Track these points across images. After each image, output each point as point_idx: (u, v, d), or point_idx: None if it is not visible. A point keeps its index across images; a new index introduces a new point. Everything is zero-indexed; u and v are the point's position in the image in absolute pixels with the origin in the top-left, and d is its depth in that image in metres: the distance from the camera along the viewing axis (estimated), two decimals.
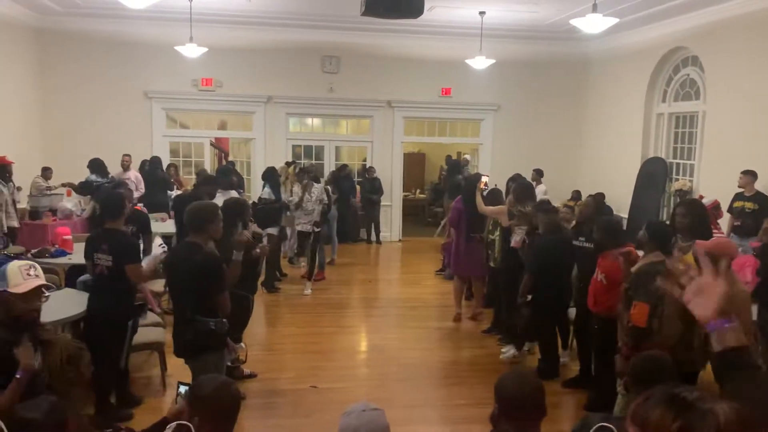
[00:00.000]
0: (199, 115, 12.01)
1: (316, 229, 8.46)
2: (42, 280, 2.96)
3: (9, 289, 2.84)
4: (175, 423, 2.39)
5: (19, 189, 9.02)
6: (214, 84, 11.21)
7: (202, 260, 3.90)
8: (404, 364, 5.98)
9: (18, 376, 2.71)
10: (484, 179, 7.14)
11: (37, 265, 3.06)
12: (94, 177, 9.45)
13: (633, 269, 4.10)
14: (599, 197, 6.36)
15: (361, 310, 8.00)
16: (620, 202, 10.19)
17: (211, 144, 12.66)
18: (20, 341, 2.77)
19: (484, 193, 6.96)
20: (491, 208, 6.69)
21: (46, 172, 9.65)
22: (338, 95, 11.53)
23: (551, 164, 11.34)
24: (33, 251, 6.67)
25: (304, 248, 8.71)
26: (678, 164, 9.91)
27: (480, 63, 10.04)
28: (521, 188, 6.42)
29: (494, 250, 6.78)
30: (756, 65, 7.84)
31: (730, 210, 7.53)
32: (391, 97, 11.72)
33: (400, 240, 12.44)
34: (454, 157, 13.94)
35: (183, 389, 2.78)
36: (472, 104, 11.96)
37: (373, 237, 12.02)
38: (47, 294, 3.01)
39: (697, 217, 4.45)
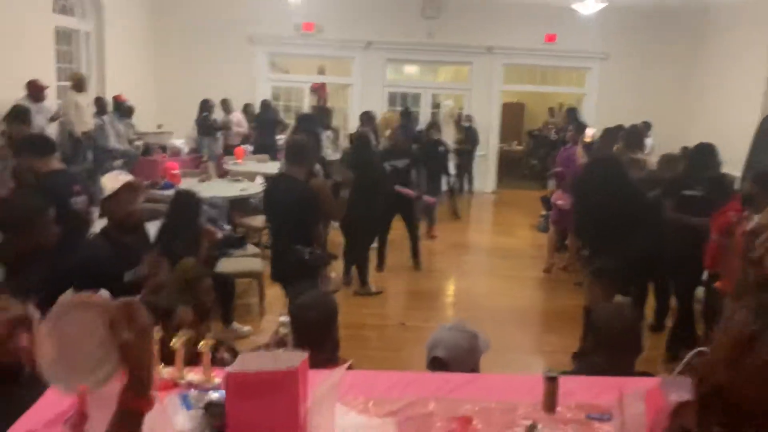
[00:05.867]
0: (300, 60, 12.19)
1: None
2: (129, 178, 3.08)
3: (106, 195, 3.03)
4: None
5: (132, 126, 9.58)
6: (315, 28, 11.29)
7: (300, 192, 4.05)
8: (492, 310, 5.97)
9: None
10: (589, 132, 6.90)
11: (125, 173, 3.21)
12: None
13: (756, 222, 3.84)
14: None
15: (451, 257, 8.00)
16: (735, 161, 9.50)
17: (311, 90, 12.85)
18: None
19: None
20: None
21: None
22: (438, 41, 11.32)
23: (660, 118, 10.68)
24: (145, 183, 7.13)
25: None
26: None
27: (588, 7, 9.52)
28: (632, 134, 6.13)
29: None
30: None
31: None
32: (492, 43, 11.37)
33: (493, 192, 12.26)
34: (557, 108, 13.42)
35: (283, 319, 2.88)
36: (577, 52, 11.40)
37: (466, 186, 11.88)
38: (142, 193, 3.13)
39: None
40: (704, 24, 11.12)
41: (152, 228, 4.03)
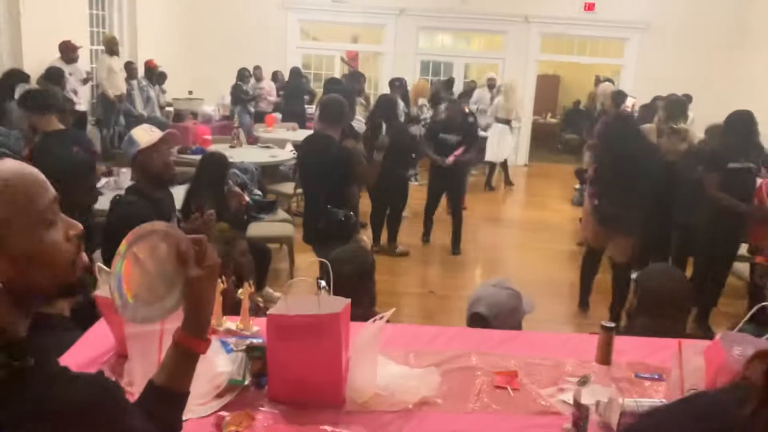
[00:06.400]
0: (331, 28, 12.05)
1: None
2: (160, 132, 3.01)
3: (141, 147, 2.92)
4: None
5: (164, 92, 9.60)
6: None
7: (336, 152, 3.99)
8: (525, 281, 5.77)
9: None
10: (629, 102, 6.70)
11: (154, 128, 3.13)
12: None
13: None
14: None
15: (482, 228, 7.91)
16: None
17: (342, 60, 12.74)
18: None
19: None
20: None
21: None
22: (472, 8, 11.06)
23: (701, 91, 10.30)
24: (176, 147, 7.15)
25: None
26: None
27: None
28: (674, 103, 5.91)
29: None
30: None
31: None
32: (529, 12, 11.08)
33: (526, 165, 12.06)
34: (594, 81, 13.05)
35: (321, 282, 2.81)
36: (617, 22, 11.04)
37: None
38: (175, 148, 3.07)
39: None
40: None
41: (179, 192, 4.03)
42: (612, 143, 4.86)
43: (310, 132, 7.64)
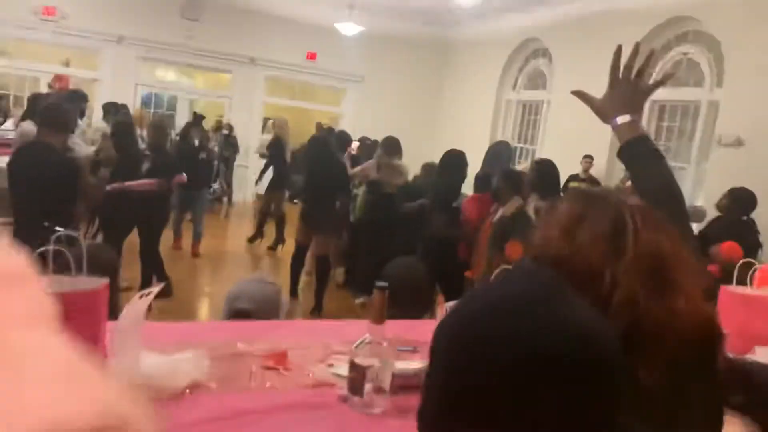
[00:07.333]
0: (36, 48, 10.81)
1: None
2: None
3: None
4: None
5: None
6: (58, 14, 10.14)
7: (58, 162, 3.56)
8: None
9: None
10: (354, 145, 7.31)
11: None
12: None
13: (500, 213, 4.40)
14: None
15: (210, 266, 7.71)
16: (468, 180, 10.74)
17: (50, 86, 11.43)
18: None
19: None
20: (357, 168, 6.90)
21: None
22: (197, 44, 10.96)
23: (410, 140, 11.63)
24: None
25: None
26: (522, 148, 10.69)
27: (349, 29, 10.07)
28: (390, 142, 6.63)
29: (356, 205, 6.91)
30: (594, 59, 8.64)
31: (565, 190, 8.26)
32: (254, 54, 11.37)
33: (254, 202, 12.13)
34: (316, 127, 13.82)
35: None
36: (336, 72, 11.96)
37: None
38: None
39: (546, 175, 4.92)
40: (448, 58, 12.52)
41: None
42: (307, 162, 6.45)
43: (5, 158, 6.70)
